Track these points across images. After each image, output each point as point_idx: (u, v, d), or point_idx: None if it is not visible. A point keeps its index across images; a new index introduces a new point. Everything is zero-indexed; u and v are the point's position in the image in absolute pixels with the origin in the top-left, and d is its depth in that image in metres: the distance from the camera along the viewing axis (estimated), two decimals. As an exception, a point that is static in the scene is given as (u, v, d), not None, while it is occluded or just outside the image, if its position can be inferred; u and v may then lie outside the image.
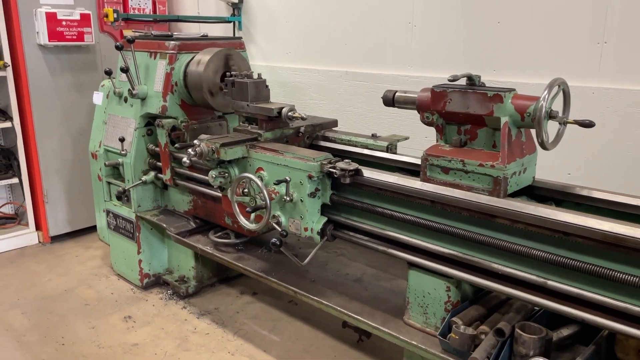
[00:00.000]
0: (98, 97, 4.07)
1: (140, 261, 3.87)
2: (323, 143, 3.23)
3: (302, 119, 2.87)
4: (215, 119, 3.75)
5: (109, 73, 3.75)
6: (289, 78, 4.31)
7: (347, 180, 2.44)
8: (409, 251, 2.39)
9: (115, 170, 3.95)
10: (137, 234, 3.81)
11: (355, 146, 3.11)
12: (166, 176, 3.62)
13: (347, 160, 2.50)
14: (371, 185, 2.44)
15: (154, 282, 3.95)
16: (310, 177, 2.55)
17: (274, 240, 2.52)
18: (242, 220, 2.79)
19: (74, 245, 4.83)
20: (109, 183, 4.02)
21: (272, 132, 2.99)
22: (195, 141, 2.84)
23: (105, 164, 3.81)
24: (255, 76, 3.09)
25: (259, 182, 2.60)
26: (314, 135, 3.26)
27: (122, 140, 3.66)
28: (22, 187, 4.70)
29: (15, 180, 4.72)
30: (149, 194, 3.84)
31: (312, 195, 2.59)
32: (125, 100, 3.80)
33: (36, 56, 4.44)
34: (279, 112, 2.88)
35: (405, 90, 2.53)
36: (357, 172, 2.46)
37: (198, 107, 3.68)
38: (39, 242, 4.85)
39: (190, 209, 3.68)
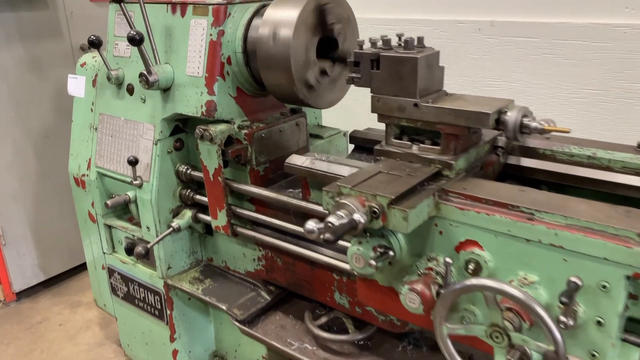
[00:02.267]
0: (76, 85, 2.44)
1: (175, 352, 2.38)
2: (527, 163, 1.75)
3: (543, 131, 1.39)
4: (289, 115, 2.21)
5: (95, 44, 2.13)
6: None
7: None
8: None
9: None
10: (169, 312, 2.31)
11: (608, 169, 1.65)
12: (219, 222, 2.10)
13: None
14: None
15: (199, 378, 2.49)
16: (635, 276, 1.13)
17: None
18: None
19: (52, 302, 3.27)
20: (109, 227, 2.46)
21: (465, 157, 1.50)
22: (327, 191, 1.34)
23: (106, 204, 2.23)
24: (410, 43, 1.55)
25: (539, 310, 1.13)
26: (509, 148, 1.78)
27: (133, 162, 2.10)
28: (-38, 225, 3.08)
29: (-50, 214, 3.08)
30: (182, 244, 2.31)
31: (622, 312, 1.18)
32: (131, 91, 2.20)
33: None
34: (502, 123, 1.38)
35: None
36: None
37: (259, 96, 2.13)
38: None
39: (258, 269, 2.19)
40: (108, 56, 2.26)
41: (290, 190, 2.13)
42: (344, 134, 2.53)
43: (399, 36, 1.59)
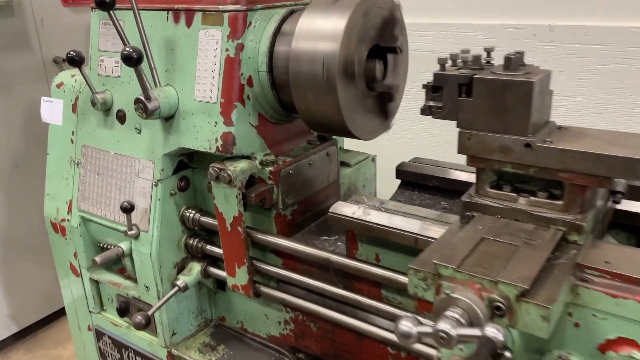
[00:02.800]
0: (52, 110, 1.99)
1: None
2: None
3: None
4: (318, 144, 1.81)
5: (76, 61, 1.71)
6: (415, 45, 2.35)
7: None
8: None
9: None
10: (175, 387, 1.88)
11: None
12: (237, 280, 1.68)
13: None
14: None
15: None
16: None
17: None
18: None
19: (27, 358, 2.80)
20: (96, 282, 2.02)
21: (593, 213, 1.12)
22: (417, 271, 0.95)
23: (94, 260, 1.78)
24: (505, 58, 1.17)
25: None
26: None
27: (128, 209, 1.66)
28: None
29: None
30: (189, 304, 1.89)
31: None
32: (122, 118, 1.76)
33: None
34: None
35: None
36: None
37: (284, 123, 1.73)
38: (-37, 360, 2.78)
39: (285, 334, 1.78)
40: (92, 75, 1.82)
41: (325, 238, 1.73)
42: (372, 159, 2.15)
43: (488, 51, 1.21)
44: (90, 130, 1.87)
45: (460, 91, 1.14)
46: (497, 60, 1.29)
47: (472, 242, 1.05)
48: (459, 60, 1.21)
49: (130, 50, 1.38)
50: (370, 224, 1.35)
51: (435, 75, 1.17)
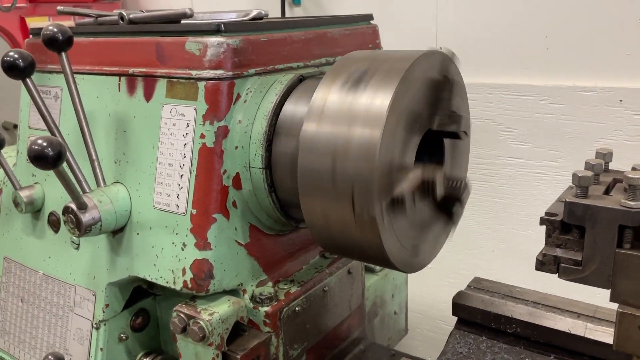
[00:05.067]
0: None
1: None
2: None
3: None
4: (335, 259, 1.26)
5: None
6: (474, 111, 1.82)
7: None
8: None
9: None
10: None
11: None
12: None
13: None
14: None
15: None
16: None
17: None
18: None
19: None
20: None
21: None
22: None
23: None
24: None
25: None
26: None
27: (54, 367, 1.10)
28: None
29: None
30: None
31: None
32: (56, 225, 1.23)
33: None
34: None
35: None
36: None
37: (286, 233, 1.19)
38: None
39: None
40: (19, 162, 1.30)
41: (348, 405, 1.16)
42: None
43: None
44: (14, 237, 1.33)
45: (621, 238, 0.61)
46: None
47: None
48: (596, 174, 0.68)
49: (42, 145, 0.85)
50: None
51: (572, 206, 0.63)
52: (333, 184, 0.88)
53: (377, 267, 1.56)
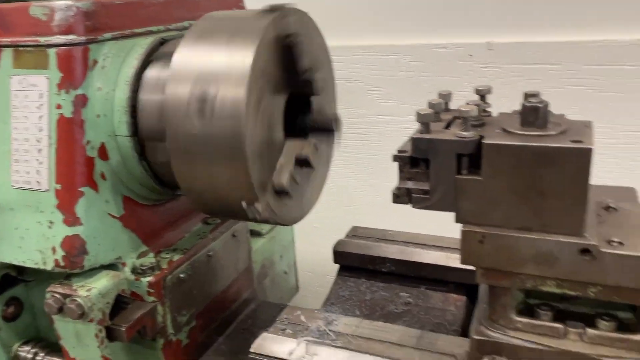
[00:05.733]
0: None
1: None
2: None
3: None
4: (217, 225, 1.27)
5: None
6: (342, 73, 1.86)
7: None
8: None
9: None
10: None
11: None
12: None
13: None
14: None
15: None
16: None
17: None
18: None
19: None
20: None
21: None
22: None
23: None
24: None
25: None
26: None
27: None
28: None
29: None
30: None
31: None
32: None
33: None
34: None
35: None
36: None
37: (164, 202, 1.17)
38: None
39: None
40: None
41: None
42: (288, 222, 1.66)
43: (482, 93, 0.78)
44: None
45: (459, 166, 0.69)
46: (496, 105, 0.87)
47: None
48: (442, 113, 0.76)
49: None
50: (322, 373, 0.84)
51: (416, 141, 0.70)
52: (205, 146, 0.88)
53: (264, 230, 1.59)
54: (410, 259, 1.18)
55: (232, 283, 1.33)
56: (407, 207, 0.94)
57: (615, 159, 1.62)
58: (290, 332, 0.92)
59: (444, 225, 1.16)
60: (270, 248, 1.64)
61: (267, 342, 0.90)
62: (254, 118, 0.87)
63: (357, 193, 2.05)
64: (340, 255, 1.24)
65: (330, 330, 0.91)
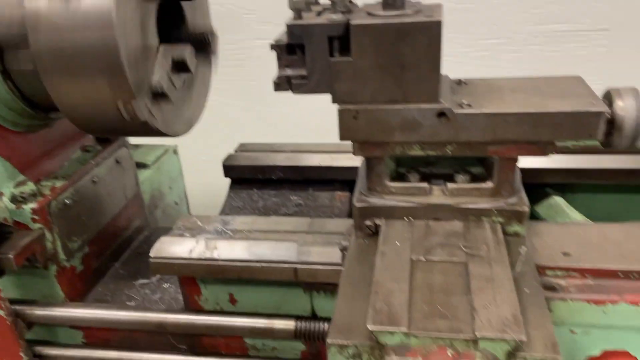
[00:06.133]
0: None
1: None
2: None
3: None
4: (100, 150, 1.25)
5: None
6: None
7: None
8: None
9: None
10: None
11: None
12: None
13: None
14: None
15: None
16: None
17: None
18: None
19: None
20: None
21: (523, 191, 0.85)
22: (342, 346, 0.57)
23: None
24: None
25: None
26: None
27: None
28: None
29: None
30: None
31: None
32: None
33: None
34: (616, 127, 0.77)
35: None
36: None
37: (38, 128, 1.12)
38: None
39: None
40: None
41: (143, 282, 1.22)
42: (174, 151, 1.67)
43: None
44: None
45: (332, 48, 0.75)
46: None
47: (401, 273, 0.69)
48: (313, 4, 0.80)
49: None
50: (222, 263, 0.90)
51: (291, 27, 0.74)
52: (73, 58, 0.85)
53: (149, 161, 1.57)
54: (297, 164, 1.25)
55: (122, 210, 1.32)
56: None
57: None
58: (189, 235, 0.95)
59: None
60: (158, 179, 1.63)
61: (165, 245, 0.93)
62: (127, 19, 0.85)
63: (242, 120, 2.07)
64: (230, 168, 1.28)
65: (227, 229, 0.96)
